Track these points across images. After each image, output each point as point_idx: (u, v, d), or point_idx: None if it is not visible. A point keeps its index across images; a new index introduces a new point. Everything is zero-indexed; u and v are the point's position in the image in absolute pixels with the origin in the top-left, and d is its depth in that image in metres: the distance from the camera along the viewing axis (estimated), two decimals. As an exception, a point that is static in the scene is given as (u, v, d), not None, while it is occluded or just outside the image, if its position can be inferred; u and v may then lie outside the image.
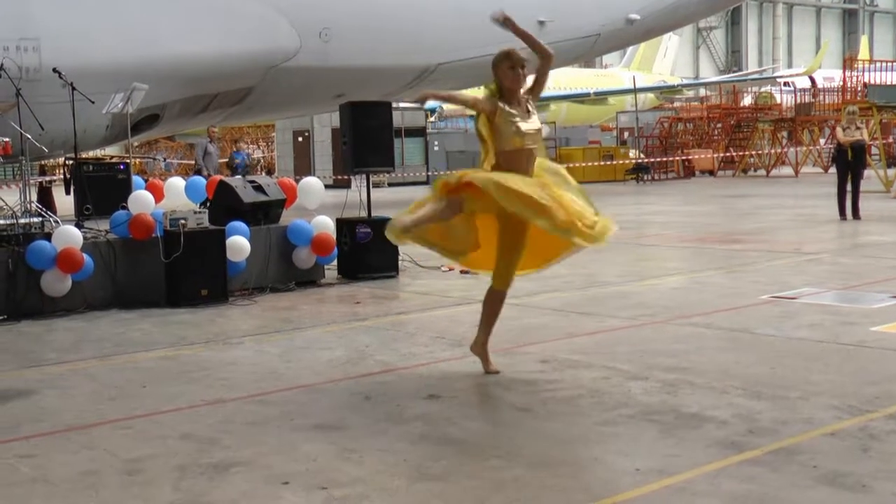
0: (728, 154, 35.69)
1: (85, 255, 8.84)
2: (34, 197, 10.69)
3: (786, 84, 43.09)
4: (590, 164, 32.33)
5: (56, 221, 9.66)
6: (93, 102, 10.97)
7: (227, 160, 25.11)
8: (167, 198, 10.72)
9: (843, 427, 4.79)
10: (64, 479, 4.34)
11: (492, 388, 5.87)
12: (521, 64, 5.92)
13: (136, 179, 10.84)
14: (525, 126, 5.90)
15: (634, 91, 39.84)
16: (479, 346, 6.17)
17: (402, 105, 27.89)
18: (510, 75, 5.93)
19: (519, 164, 5.86)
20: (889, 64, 31.84)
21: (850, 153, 16.39)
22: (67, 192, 12.32)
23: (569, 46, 23.11)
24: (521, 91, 6.01)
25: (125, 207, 9.63)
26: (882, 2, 70.55)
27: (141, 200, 9.71)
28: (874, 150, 22.42)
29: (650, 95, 46.98)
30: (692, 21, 37.76)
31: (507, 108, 5.88)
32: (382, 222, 10.79)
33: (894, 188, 17.85)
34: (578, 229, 5.69)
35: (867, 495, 3.91)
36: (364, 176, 11.67)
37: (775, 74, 49.94)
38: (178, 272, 9.12)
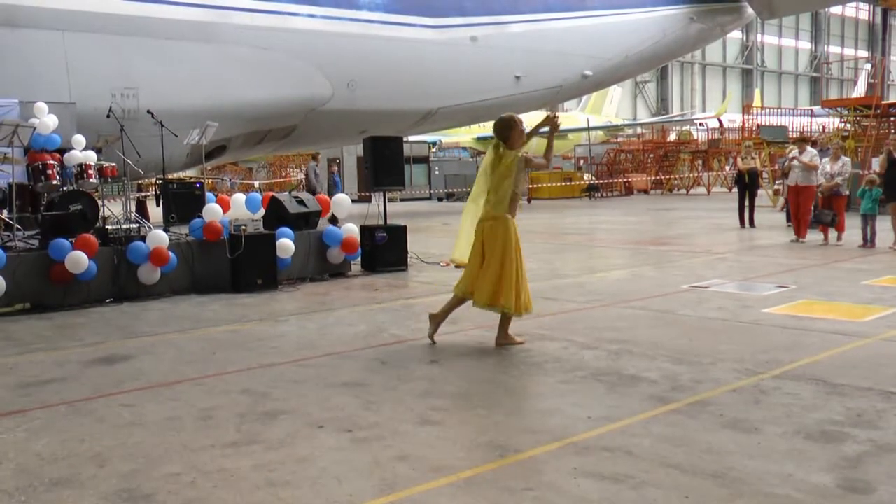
0: (658, 177, 35.67)
1: (170, 253, 8.84)
2: (133, 208, 10.65)
3: (701, 124, 43.07)
4: (554, 184, 32.44)
5: (149, 227, 9.64)
6: (176, 136, 10.95)
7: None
8: (232, 209, 10.69)
9: (742, 385, 4.81)
10: (154, 422, 4.35)
11: (478, 355, 5.85)
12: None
13: (209, 195, 10.80)
14: None
15: (588, 129, 39.80)
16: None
17: (410, 139, 27.86)
18: (522, 138, 6.00)
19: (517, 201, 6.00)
20: (775, 110, 32.04)
21: (746, 177, 16.43)
22: (158, 204, 12.27)
23: (538, 95, 23.14)
24: None
25: (200, 216, 9.62)
26: (770, 63, 70.91)
27: (212, 211, 9.70)
28: (765, 175, 22.45)
29: (600, 132, 46.86)
30: (631, 77, 37.65)
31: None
32: (396, 228, 10.83)
33: (779, 203, 17.88)
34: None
35: (758, 436, 3.92)
36: (381, 193, 11.66)
37: (693, 117, 49.85)
38: (240, 266, 9.11)
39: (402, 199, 29.51)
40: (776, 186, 16.29)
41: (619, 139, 46.80)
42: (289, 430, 4.16)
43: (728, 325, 6.65)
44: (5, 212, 9.40)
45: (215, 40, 16.59)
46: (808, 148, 13.49)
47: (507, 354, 5.78)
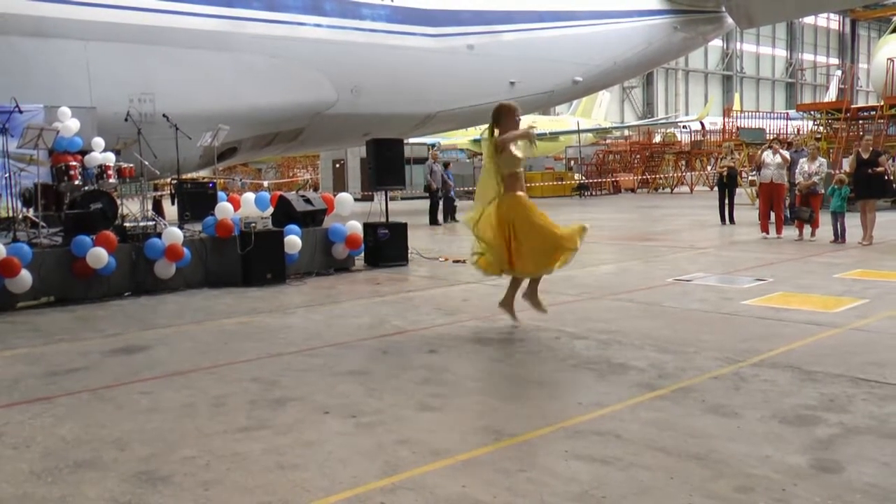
0: (644, 177, 35.63)
1: (185, 249, 8.83)
2: (150, 206, 10.63)
3: (684, 127, 43.00)
4: (546, 183, 32.43)
5: (165, 224, 9.63)
6: (190, 138, 10.91)
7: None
8: (242, 207, 10.67)
9: (723, 372, 4.81)
10: (171, 409, 4.35)
11: (475, 344, 5.85)
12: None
13: (221, 194, 10.78)
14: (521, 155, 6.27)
15: (578, 132, 39.74)
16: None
17: (410, 141, 27.77)
18: (515, 122, 6.20)
19: (521, 181, 6.24)
20: (753, 114, 32.10)
21: (725, 177, 16.45)
22: (173, 203, 12.25)
23: (531, 99, 23.06)
24: None
25: (213, 214, 9.60)
26: (748, 70, 70.88)
27: (224, 209, 9.69)
28: (744, 175, 22.42)
29: (589, 135, 46.70)
30: (619, 82, 37.58)
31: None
32: (397, 226, 10.81)
33: (757, 200, 17.87)
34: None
35: (738, 420, 3.93)
36: (383, 192, 11.64)
37: (677, 120, 49.73)
38: (250, 261, 9.10)
39: (402, 198, 29.44)
40: (751, 177, 16.25)
41: (608, 141, 46.73)
42: (297, 415, 4.16)
43: (710, 316, 6.66)
44: (31, 210, 9.38)
45: (227, 49, 16.53)
46: (780, 150, 13.51)
47: (503, 344, 5.79)
